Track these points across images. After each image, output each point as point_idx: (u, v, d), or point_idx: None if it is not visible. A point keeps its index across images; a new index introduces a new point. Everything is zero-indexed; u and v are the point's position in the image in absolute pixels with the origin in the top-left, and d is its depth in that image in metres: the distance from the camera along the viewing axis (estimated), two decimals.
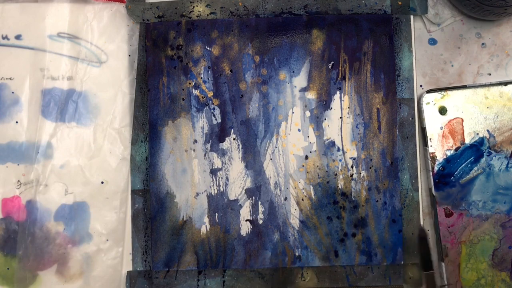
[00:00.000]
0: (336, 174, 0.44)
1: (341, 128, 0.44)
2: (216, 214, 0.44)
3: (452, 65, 0.45)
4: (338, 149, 0.44)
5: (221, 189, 0.44)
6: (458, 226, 0.43)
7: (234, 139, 0.44)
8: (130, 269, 0.44)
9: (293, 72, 0.44)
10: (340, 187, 0.43)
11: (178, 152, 0.44)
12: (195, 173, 0.44)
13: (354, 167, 0.43)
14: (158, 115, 0.44)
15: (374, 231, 0.43)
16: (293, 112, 0.44)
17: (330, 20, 0.44)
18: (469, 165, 0.43)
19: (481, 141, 0.43)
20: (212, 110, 0.44)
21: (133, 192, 0.44)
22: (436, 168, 0.43)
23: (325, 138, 0.44)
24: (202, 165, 0.44)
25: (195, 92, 0.44)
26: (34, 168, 0.43)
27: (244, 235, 0.44)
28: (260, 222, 0.44)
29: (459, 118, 0.43)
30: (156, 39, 0.44)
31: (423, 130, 0.43)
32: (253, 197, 0.44)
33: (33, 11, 0.44)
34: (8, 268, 0.43)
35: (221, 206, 0.44)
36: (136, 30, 0.45)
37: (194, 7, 0.44)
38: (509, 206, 0.42)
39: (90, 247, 0.43)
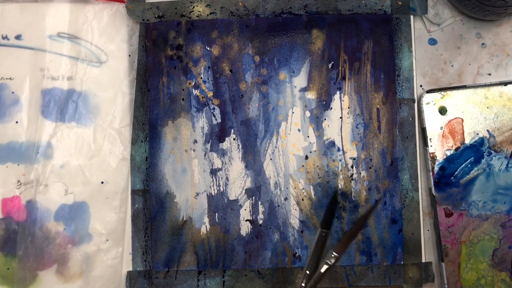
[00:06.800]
0: (336, 174, 0.43)
1: (341, 128, 0.44)
2: (216, 214, 0.44)
3: (452, 65, 0.45)
4: (338, 149, 0.44)
5: (221, 189, 0.44)
6: (458, 226, 0.43)
7: (234, 139, 0.44)
8: (130, 269, 0.44)
9: (293, 72, 0.44)
10: (340, 187, 0.43)
11: (178, 152, 0.44)
12: (195, 173, 0.44)
13: (354, 167, 0.43)
14: (158, 115, 0.44)
15: (374, 231, 0.43)
16: (293, 112, 0.44)
17: (330, 20, 0.44)
18: (469, 165, 0.43)
19: (481, 141, 0.43)
20: (212, 110, 0.44)
21: (133, 192, 0.44)
22: (436, 168, 0.43)
23: (325, 138, 0.44)
24: (202, 165, 0.44)
25: (195, 92, 0.44)
26: (34, 168, 0.43)
27: (244, 235, 0.43)
28: (260, 222, 0.44)
29: (459, 118, 0.43)
30: (156, 39, 0.44)
31: (423, 130, 0.43)
32: (253, 197, 0.44)
33: (33, 11, 0.44)
34: (8, 268, 0.43)
35: (221, 206, 0.44)
36: (136, 30, 0.45)
37: (194, 7, 0.44)
38: (509, 206, 0.42)
39: (90, 247, 0.43)
